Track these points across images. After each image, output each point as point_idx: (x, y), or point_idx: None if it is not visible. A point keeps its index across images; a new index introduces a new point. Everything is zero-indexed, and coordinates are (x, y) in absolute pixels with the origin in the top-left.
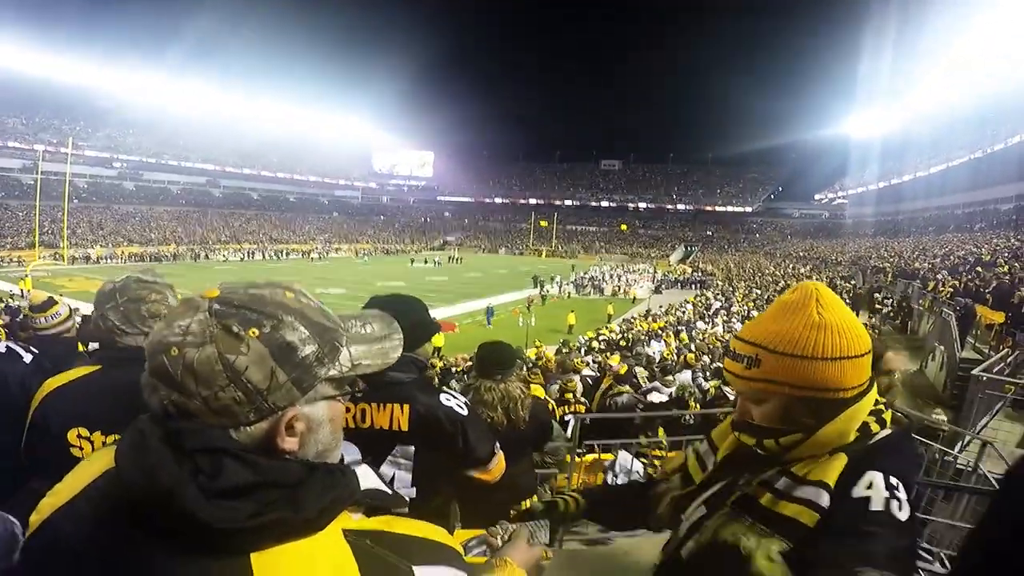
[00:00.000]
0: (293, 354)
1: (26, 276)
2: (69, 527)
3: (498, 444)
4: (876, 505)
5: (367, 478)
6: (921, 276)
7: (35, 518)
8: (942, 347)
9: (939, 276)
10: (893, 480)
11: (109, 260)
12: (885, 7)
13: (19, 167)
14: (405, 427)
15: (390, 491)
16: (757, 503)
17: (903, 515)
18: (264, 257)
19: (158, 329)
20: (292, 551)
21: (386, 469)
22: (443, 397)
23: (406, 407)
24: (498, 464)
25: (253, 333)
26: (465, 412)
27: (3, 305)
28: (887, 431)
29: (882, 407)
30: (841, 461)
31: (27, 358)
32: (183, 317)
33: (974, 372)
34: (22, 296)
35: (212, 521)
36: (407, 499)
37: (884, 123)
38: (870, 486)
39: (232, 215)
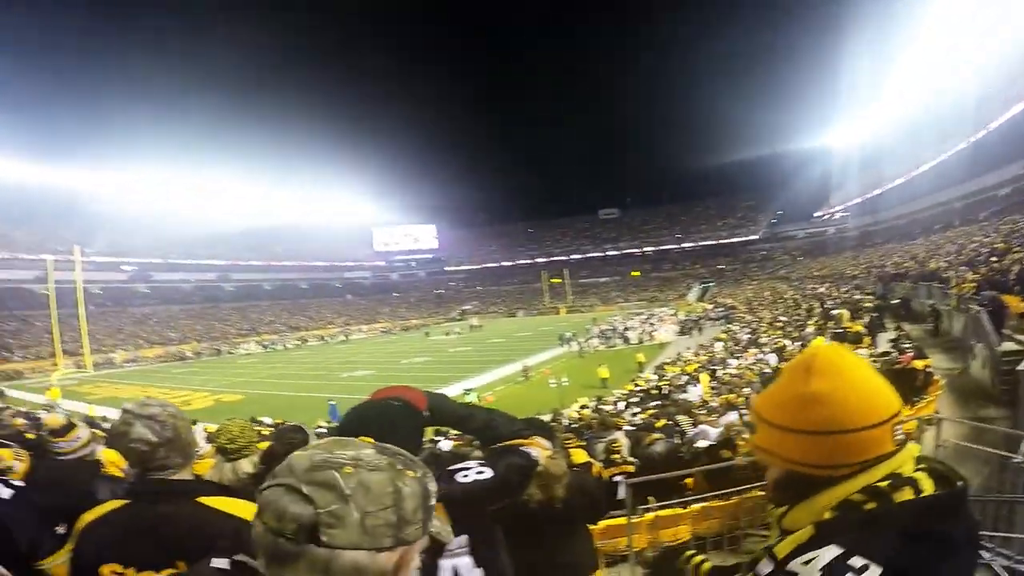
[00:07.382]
0: (429, 500)
1: (52, 385)
2: None
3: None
4: None
5: None
6: (940, 275)
7: None
8: (980, 344)
9: (958, 272)
10: (854, 561)
11: (134, 363)
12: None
13: (32, 278)
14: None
15: None
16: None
17: None
18: (284, 347)
19: (314, 451)
20: None
21: (444, 563)
22: (458, 477)
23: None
24: (534, 440)
25: (411, 474)
26: (487, 473)
27: (24, 421)
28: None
29: (893, 479)
30: (806, 532)
31: (5, 493)
32: (343, 448)
33: (1019, 368)
34: (52, 408)
35: None
36: None
37: (865, 131)
38: (808, 562)
39: (247, 308)
